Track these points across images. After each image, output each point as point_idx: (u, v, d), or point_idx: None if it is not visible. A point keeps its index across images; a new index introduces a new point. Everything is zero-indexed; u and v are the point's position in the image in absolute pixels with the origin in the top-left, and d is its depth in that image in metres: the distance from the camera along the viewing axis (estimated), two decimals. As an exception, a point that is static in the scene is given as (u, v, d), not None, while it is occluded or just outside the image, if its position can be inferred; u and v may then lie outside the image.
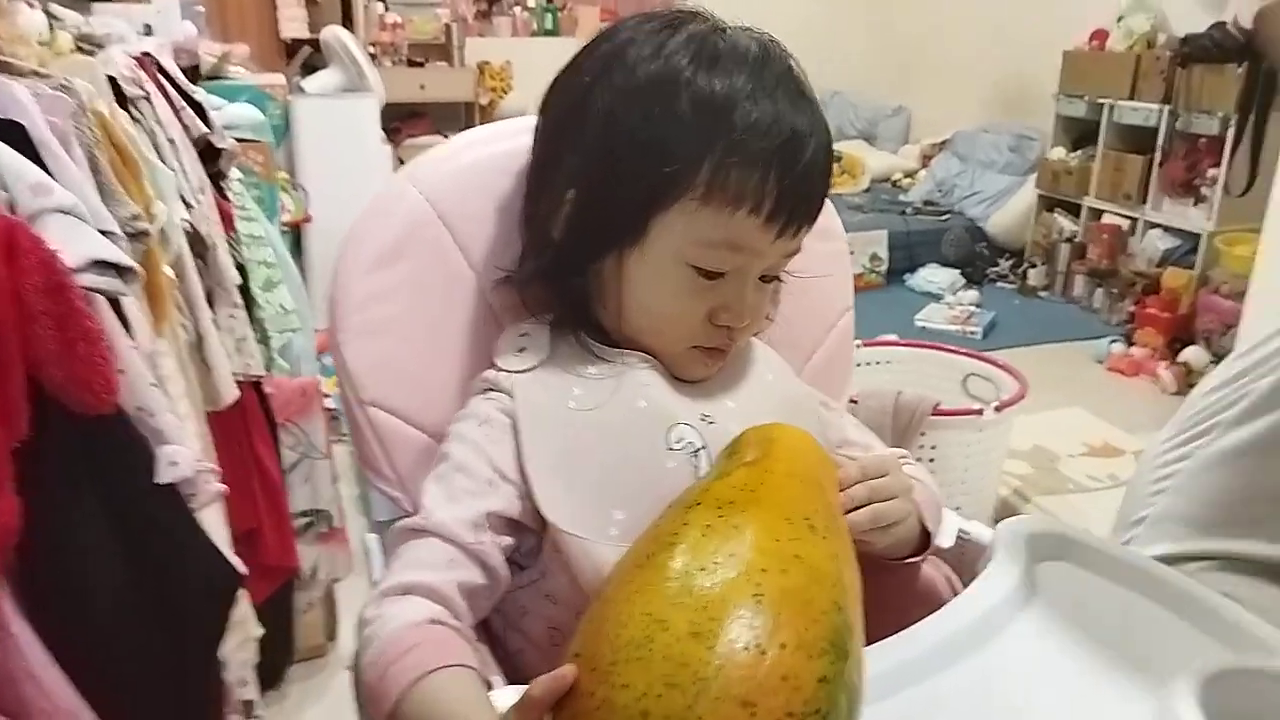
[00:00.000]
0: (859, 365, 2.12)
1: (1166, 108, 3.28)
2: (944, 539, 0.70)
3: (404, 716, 0.51)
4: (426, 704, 0.50)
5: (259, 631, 1.25)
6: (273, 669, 1.56)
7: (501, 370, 0.66)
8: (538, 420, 0.63)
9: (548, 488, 0.61)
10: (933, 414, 1.69)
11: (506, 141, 0.74)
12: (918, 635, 0.57)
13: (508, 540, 0.61)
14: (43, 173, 0.73)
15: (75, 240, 0.70)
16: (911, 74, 5.01)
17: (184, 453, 0.79)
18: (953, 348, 2.09)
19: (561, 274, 0.67)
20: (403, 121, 4.30)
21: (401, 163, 3.65)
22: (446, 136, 4.07)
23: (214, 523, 0.96)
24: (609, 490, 0.61)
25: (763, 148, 0.60)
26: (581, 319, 0.68)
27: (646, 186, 0.61)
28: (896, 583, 0.67)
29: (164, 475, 0.77)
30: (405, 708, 0.51)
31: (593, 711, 0.40)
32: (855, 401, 1.79)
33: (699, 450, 0.63)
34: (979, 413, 1.72)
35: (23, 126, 0.76)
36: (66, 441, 0.71)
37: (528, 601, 0.65)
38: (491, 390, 0.66)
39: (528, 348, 0.67)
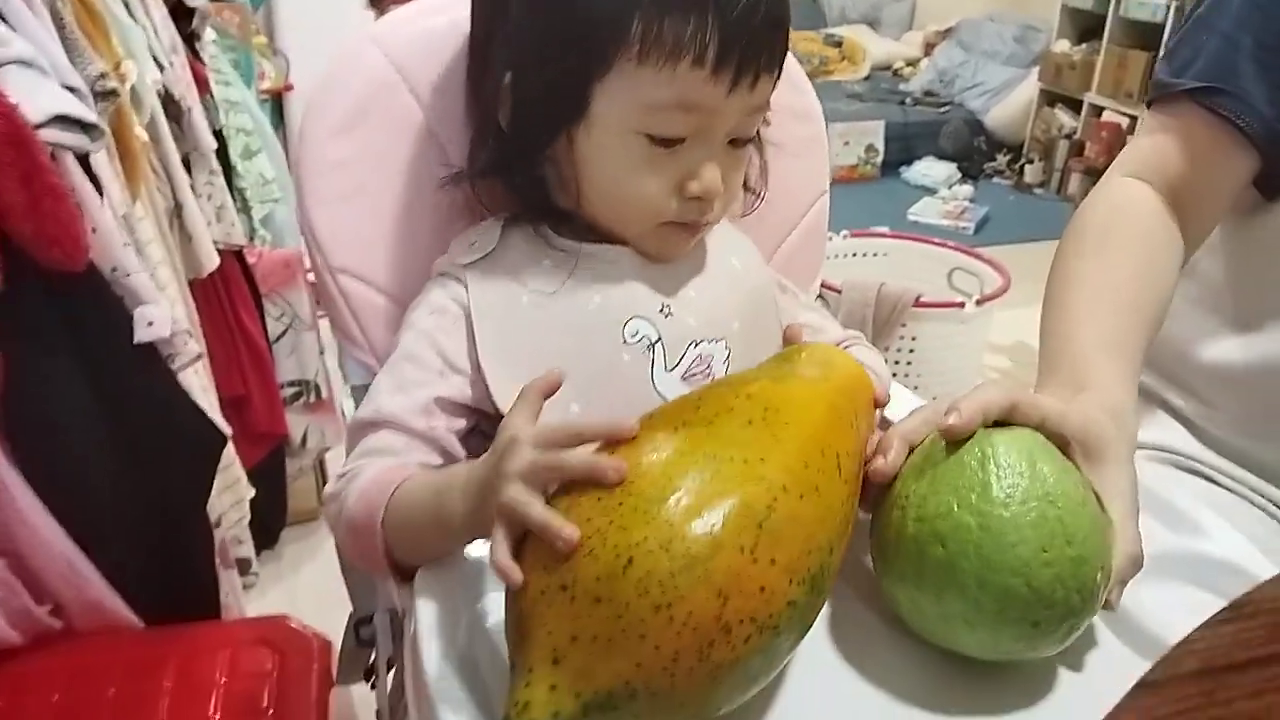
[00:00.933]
0: (847, 256, 2.12)
1: (1175, 3, 3.17)
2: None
3: (390, 530, 0.53)
4: (405, 503, 0.53)
5: (250, 492, 1.29)
6: (268, 531, 1.61)
7: (455, 263, 0.64)
8: (492, 312, 0.62)
9: (502, 382, 0.60)
10: (914, 306, 1.70)
11: (478, 4, 0.71)
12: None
13: (461, 423, 0.61)
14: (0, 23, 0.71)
15: (36, 94, 0.68)
16: (921, -45, 4.81)
17: (160, 313, 0.80)
18: (939, 241, 2.09)
19: (516, 165, 0.64)
20: (390, -12, 4.13)
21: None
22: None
23: (196, 384, 0.97)
24: (565, 383, 0.61)
25: None
26: (542, 211, 0.65)
27: (577, 54, 0.57)
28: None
29: (141, 335, 0.78)
30: (389, 519, 0.53)
31: (588, 537, 0.41)
32: (839, 291, 1.80)
33: (654, 344, 0.63)
34: (960, 305, 1.73)
35: (-21, -28, 0.73)
36: (41, 299, 0.72)
37: None
38: (446, 278, 0.64)
39: (477, 241, 0.65)
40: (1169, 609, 0.48)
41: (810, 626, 0.45)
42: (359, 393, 0.74)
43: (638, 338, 0.63)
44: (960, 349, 1.79)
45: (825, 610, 0.52)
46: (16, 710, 0.73)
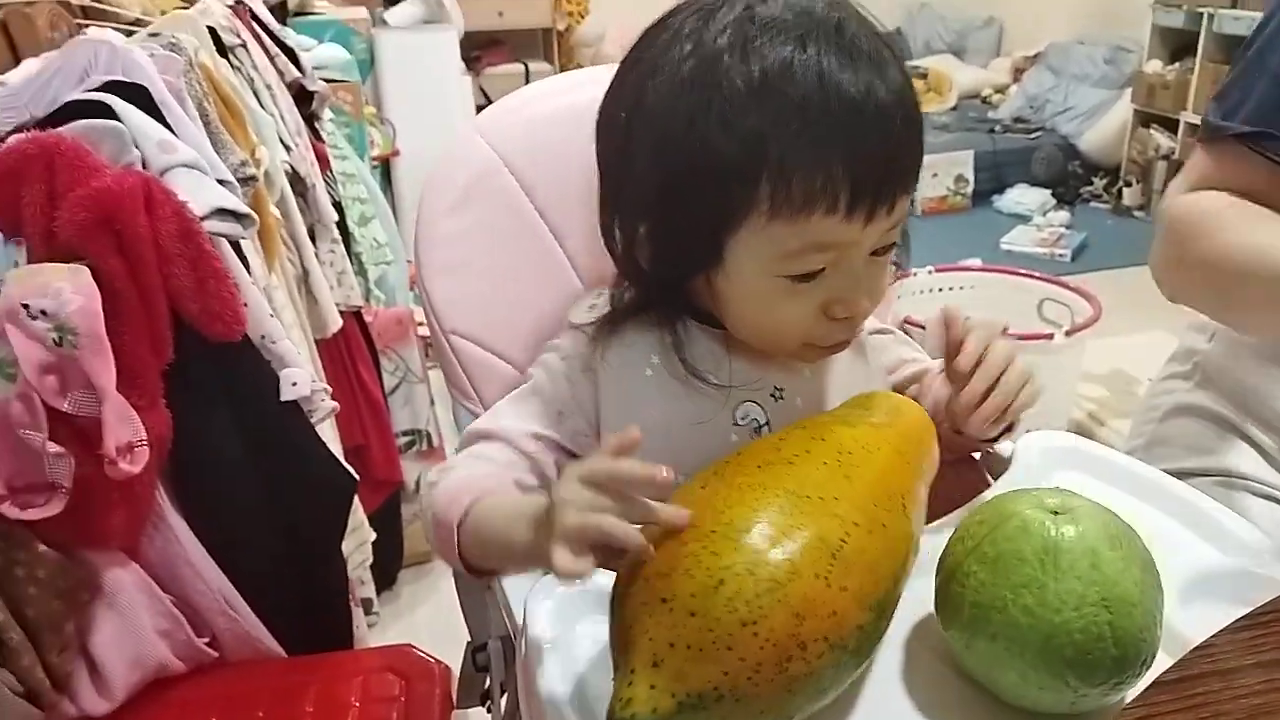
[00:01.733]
0: (932, 291, 2.13)
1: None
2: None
3: (465, 532, 0.56)
4: (484, 513, 0.56)
5: (372, 535, 1.40)
6: (386, 572, 1.73)
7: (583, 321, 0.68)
8: (617, 378, 0.65)
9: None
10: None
11: (569, 95, 0.81)
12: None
13: (561, 459, 0.66)
14: (166, 131, 0.83)
15: (199, 191, 0.80)
16: (1005, -18, 4.79)
17: (302, 374, 0.90)
18: (1025, 271, 2.08)
19: (662, 299, 0.65)
20: (482, 50, 4.35)
21: (483, 92, 3.73)
22: (525, 64, 4.09)
23: (329, 435, 1.09)
24: (675, 459, 0.61)
25: (821, 141, 0.53)
26: (691, 314, 0.66)
27: (708, 214, 0.57)
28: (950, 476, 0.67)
29: (287, 394, 0.89)
30: (468, 522, 0.56)
31: (682, 556, 0.47)
32: (923, 327, 1.83)
33: (761, 426, 0.66)
34: (1049, 337, 1.73)
35: (146, 89, 0.86)
36: (204, 366, 0.83)
37: None
38: (578, 332, 0.67)
39: (596, 304, 0.69)
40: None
41: (876, 647, 0.50)
42: (471, 441, 0.83)
43: (747, 420, 0.66)
44: (1051, 380, 1.78)
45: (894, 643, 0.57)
46: (181, 730, 0.84)
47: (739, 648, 0.45)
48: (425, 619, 1.68)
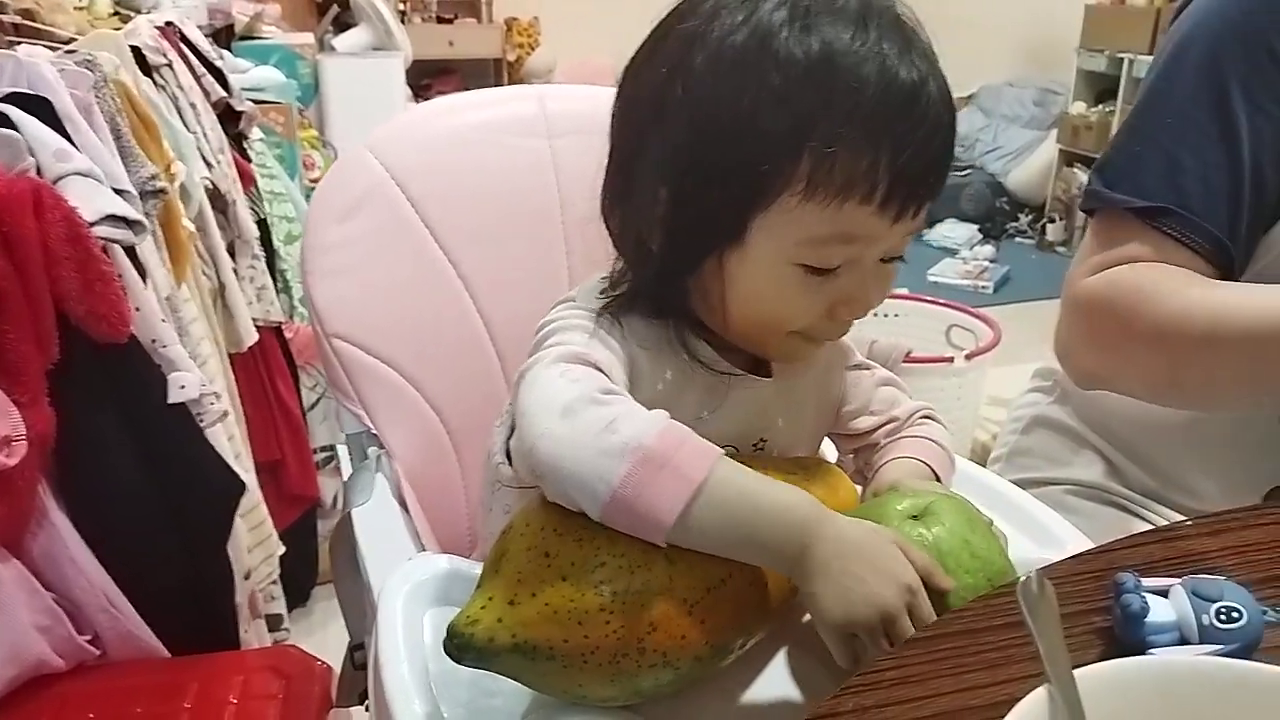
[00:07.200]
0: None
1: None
2: None
3: (707, 499, 0.50)
4: (733, 484, 0.51)
5: (281, 549, 1.41)
6: (299, 589, 1.72)
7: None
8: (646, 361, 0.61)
9: None
10: (905, 361, 1.78)
11: (461, 114, 0.86)
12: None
13: None
14: (64, 141, 0.86)
15: (91, 198, 0.83)
16: (938, 26, 4.90)
17: (191, 378, 0.93)
18: (930, 298, 2.18)
19: (664, 283, 0.61)
20: (433, 79, 4.40)
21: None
22: (473, 94, 4.15)
23: (221, 440, 1.10)
24: None
25: (870, 125, 0.52)
26: (684, 317, 0.62)
27: (740, 185, 0.55)
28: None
29: (174, 396, 0.92)
30: (709, 487, 0.50)
31: (592, 538, 0.51)
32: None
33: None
34: (950, 360, 1.81)
35: (49, 101, 0.89)
36: (91, 366, 0.85)
37: (512, 501, 0.65)
38: (608, 323, 0.61)
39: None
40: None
41: (704, 676, 0.54)
42: (353, 440, 0.87)
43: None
44: (955, 402, 1.86)
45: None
46: (59, 728, 0.84)
47: (587, 625, 0.49)
48: (337, 636, 1.67)
